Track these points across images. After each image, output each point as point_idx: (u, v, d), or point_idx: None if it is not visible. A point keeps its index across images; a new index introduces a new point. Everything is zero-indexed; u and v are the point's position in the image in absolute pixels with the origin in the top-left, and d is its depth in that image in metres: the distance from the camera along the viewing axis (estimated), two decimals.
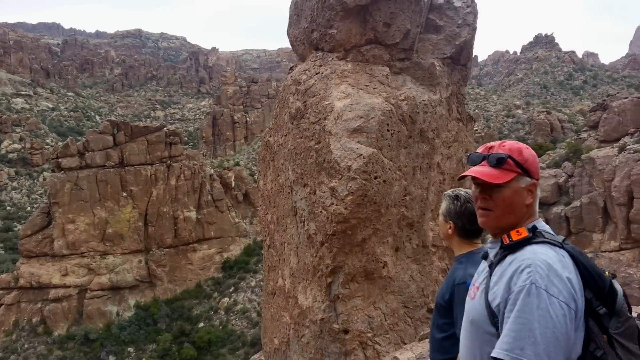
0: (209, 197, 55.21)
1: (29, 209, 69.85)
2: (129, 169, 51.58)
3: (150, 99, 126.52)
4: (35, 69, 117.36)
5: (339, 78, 6.55)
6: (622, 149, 36.90)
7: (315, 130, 6.41)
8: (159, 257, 51.49)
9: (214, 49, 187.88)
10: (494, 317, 2.12)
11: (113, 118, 70.91)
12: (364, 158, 5.98)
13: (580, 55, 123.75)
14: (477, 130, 54.78)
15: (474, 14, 7.60)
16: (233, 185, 59.30)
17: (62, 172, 50.08)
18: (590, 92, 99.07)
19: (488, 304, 2.15)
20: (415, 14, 6.84)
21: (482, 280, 2.28)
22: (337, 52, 6.84)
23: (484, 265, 2.37)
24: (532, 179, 2.30)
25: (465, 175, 2.37)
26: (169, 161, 53.56)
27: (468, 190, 3.30)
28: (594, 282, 2.10)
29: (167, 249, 52.11)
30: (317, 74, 6.76)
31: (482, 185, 2.30)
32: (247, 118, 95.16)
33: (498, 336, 2.09)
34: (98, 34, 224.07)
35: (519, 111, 77.63)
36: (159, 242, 52.01)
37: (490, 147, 2.35)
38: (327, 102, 6.38)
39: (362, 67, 6.74)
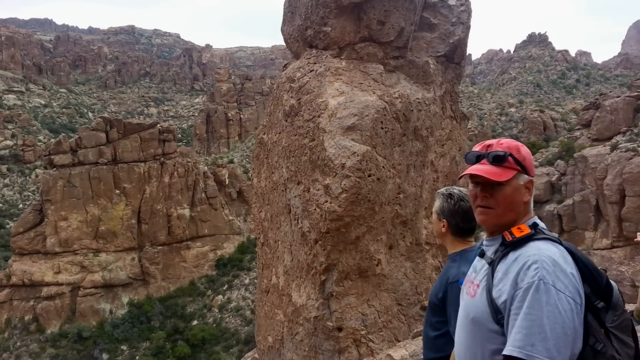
0: (203, 195, 55.08)
1: (21, 206, 69.41)
2: (122, 166, 51.36)
3: (143, 96, 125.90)
4: (27, 65, 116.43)
5: (333, 76, 6.55)
6: (614, 148, 37.14)
7: (309, 127, 6.41)
8: (153, 255, 51.34)
9: (208, 46, 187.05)
10: (498, 314, 2.12)
11: (106, 115, 70.45)
12: (358, 156, 5.99)
13: (573, 54, 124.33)
14: (470, 128, 54.96)
15: (468, 12, 7.61)
16: (227, 182, 59.19)
17: (55, 169, 49.78)
18: (583, 91, 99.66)
19: (491, 301, 2.15)
20: (409, 12, 6.84)
21: (483, 278, 2.27)
22: (331, 50, 6.83)
23: (481, 263, 2.36)
24: (529, 176, 2.32)
25: (467, 174, 2.36)
26: (162, 158, 53.36)
27: (462, 189, 3.30)
28: (592, 277, 2.14)
29: (160, 247, 51.96)
30: (311, 71, 6.75)
31: (483, 184, 2.30)
32: (241, 115, 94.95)
33: (502, 333, 2.10)
34: (91, 30, 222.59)
35: (513, 109, 77.95)
36: (152, 239, 51.84)
37: (489, 145, 2.35)
38: (321, 100, 6.38)
39: (356, 65, 6.74)
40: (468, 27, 7.61)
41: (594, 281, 2.15)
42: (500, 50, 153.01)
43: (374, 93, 6.46)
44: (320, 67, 6.70)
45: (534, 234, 2.19)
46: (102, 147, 51.16)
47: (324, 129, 6.19)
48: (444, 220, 3.31)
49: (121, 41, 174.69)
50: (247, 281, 51.62)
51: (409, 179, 6.72)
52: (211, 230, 55.03)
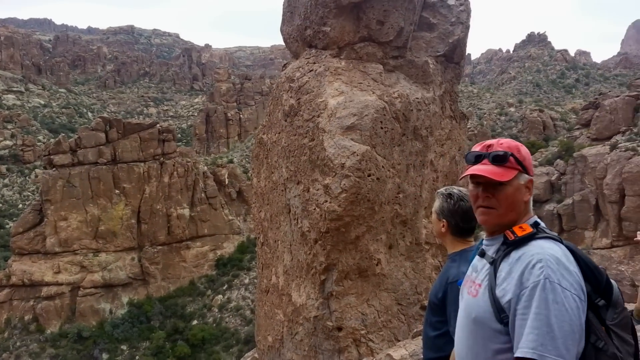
0: (203, 195, 55.06)
1: (20, 206, 69.38)
2: (121, 166, 51.34)
3: (143, 96, 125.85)
4: (26, 65, 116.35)
5: (332, 75, 6.54)
6: (613, 147, 37.17)
7: (308, 127, 6.40)
8: (152, 255, 51.32)
9: (207, 46, 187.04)
10: (501, 313, 2.12)
11: (105, 115, 70.45)
12: (357, 156, 5.99)
13: (572, 54, 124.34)
14: (470, 128, 54.95)
15: (467, 12, 7.61)
16: (226, 182, 59.18)
17: (54, 169, 49.75)
18: (582, 91, 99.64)
19: (494, 301, 2.15)
20: (408, 11, 6.84)
21: (485, 277, 2.27)
22: (331, 50, 6.83)
23: (482, 262, 2.35)
24: (529, 175, 2.33)
25: (471, 175, 2.35)
26: (162, 158, 53.33)
27: (461, 188, 3.30)
28: (592, 275, 2.16)
29: (160, 247, 51.94)
30: (310, 71, 6.75)
31: (484, 184, 2.30)
32: (241, 115, 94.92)
33: (505, 332, 2.11)
34: (90, 30, 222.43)
35: (512, 109, 77.96)
36: (152, 239, 51.82)
37: (489, 146, 2.35)
38: (320, 100, 6.38)
39: (356, 65, 6.74)
40: (467, 27, 7.61)
41: (594, 279, 2.16)
42: (500, 50, 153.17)
43: (373, 93, 6.46)
44: (320, 67, 6.70)
45: (536, 233, 2.20)
46: (101, 147, 51.13)
47: (323, 129, 6.19)
48: (444, 220, 3.31)
49: (120, 41, 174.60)
50: (246, 281, 51.62)
51: (409, 179, 6.72)
52: (211, 230, 55.02)
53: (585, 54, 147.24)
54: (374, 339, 6.28)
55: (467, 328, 2.32)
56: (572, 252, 2.16)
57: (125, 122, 55.31)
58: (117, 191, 50.94)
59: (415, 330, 6.17)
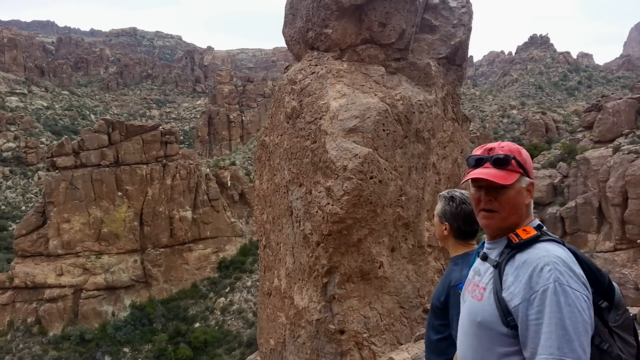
0: (205, 197, 55.11)
1: (23, 208, 69.55)
2: (124, 168, 51.43)
3: (145, 98, 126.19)
4: (29, 67, 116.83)
5: (334, 78, 6.54)
6: (616, 150, 37.08)
7: (311, 129, 6.40)
8: (155, 257, 51.36)
9: (210, 48, 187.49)
10: (508, 317, 2.12)
11: (108, 117, 70.65)
12: (359, 158, 5.98)
13: (574, 56, 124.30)
14: (472, 130, 54.93)
15: (469, 14, 7.60)
16: (229, 184, 59.23)
17: (57, 171, 49.88)
18: (584, 93, 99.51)
19: (500, 304, 2.14)
20: (410, 13, 6.84)
21: (489, 281, 2.26)
22: (333, 52, 6.83)
23: (485, 266, 2.34)
24: (530, 178, 2.33)
25: (473, 178, 2.35)
26: (164, 160, 53.42)
27: (463, 191, 3.29)
28: (595, 277, 2.17)
29: (162, 249, 51.97)
30: (312, 73, 6.75)
31: (486, 187, 2.29)
32: (243, 117, 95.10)
33: (512, 336, 2.11)
34: (93, 32, 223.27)
35: (514, 111, 77.87)
36: (154, 241, 51.87)
37: (490, 149, 2.34)
38: (322, 102, 6.37)
39: (358, 67, 6.73)
40: (469, 29, 7.60)
41: (597, 281, 2.18)
42: (502, 52, 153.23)
43: (375, 95, 6.45)
44: (322, 69, 6.70)
45: (540, 235, 2.20)
46: (104, 149, 51.24)
47: (325, 131, 6.19)
48: (446, 223, 3.30)
49: (123, 43, 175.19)
50: (249, 283, 51.60)
51: (411, 181, 6.71)
52: (213, 233, 55.04)
53: (588, 56, 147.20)
54: (377, 342, 6.26)
55: (472, 331, 2.31)
56: (575, 254, 2.16)
57: (128, 124, 55.46)
58: (119, 193, 51.03)
59: (417, 333, 6.15)
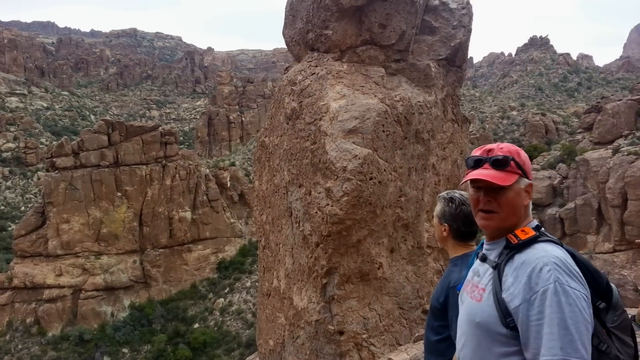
0: (204, 198, 55.09)
1: (23, 208, 69.52)
2: (123, 168, 51.40)
3: (145, 99, 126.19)
4: (29, 68, 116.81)
5: (334, 79, 6.54)
6: (616, 151, 37.10)
7: (310, 130, 6.40)
8: (154, 258, 51.32)
9: (210, 49, 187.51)
10: (507, 318, 2.12)
11: (108, 117, 70.69)
12: (359, 159, 5.98)
13: (574, 58, 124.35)
14: (472, 131, 54.93)
15: (469, 15, 7.61)
16: (228, 185, 59.21)
17: (57, 171, 49.85)
18: (584, 94, 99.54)
19: (500, 306, 2.15)
20: (410, 15, 6.84)
21: (488, 282, 2.26)
22: (333, 53, 6.83)
23: (484, 267, 2.35)
24: (529, 179, 2.33)
25: (472, 179, 2.35)
26: (164, 161, 53.40)
27: (463, 192, 3.29)
28: (592, 278, 2.18)
29: (162, 250, 51.94)
30: (312, 74, 6.75)
31: (485, 188, 2.30)
32: (243, 118, 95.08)
33: (511, 337, 2.12)
34: (93, 33, 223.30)
35: (514, 113, 77.85)
36: (153, 242, 51.84)
37: (489, 150, 2.35)
38: (322, 103, 6.38)
39: (358, 68, 6.74)
40: (469, 31, 7.61)
41: (595, 282, 2.18)
42: (502, 53, 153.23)
43: (375, 96, 6.45)
44: (322, 70, 6.70)
45: (539, 236, 2.21)
46: (104, 149, 51.22)
47: (325, 132, 6.19)
48: (445, 224, 3.30)
49: (123, 44, 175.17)
50: (248, 284, 51.57)
51: (411, 182, 6.71)
52: (213, 233, 55.01)
53: (588, 57, 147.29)
54: (376, 343, 6.26)
55: (470, 332, 2.31)
56: (573, 255, 2.17)
57: (128, 124, 55.45)
58: (119, 194, 51.01)
59: (416, 334, 6.15)
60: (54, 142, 67.30)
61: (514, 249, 2.21)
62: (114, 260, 50.19)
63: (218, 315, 49.84)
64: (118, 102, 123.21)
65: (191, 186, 54.37)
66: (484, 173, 2.28)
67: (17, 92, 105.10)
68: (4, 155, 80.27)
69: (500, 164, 2.27)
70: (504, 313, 2.13)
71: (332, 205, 5.99)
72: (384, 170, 6.24)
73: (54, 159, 50.42)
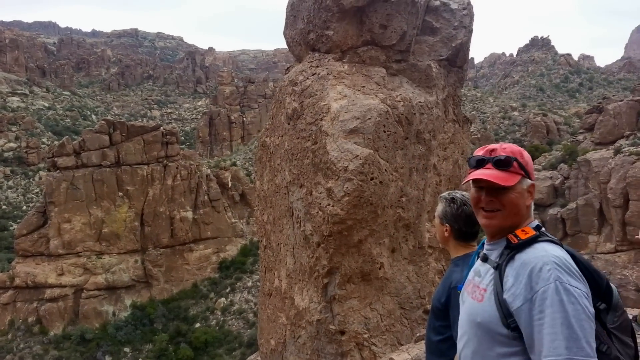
0: (206, 197, 55.12)
1: (24, 208, 69.60)
2: (125, 168, 51.45)
3: (146, 99, 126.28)
4: (31, 68, 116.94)
5: (335, 79, 6.55)
6: (617, 152, 37.08)
7: (311, 131, 6.41)
8: (155, 257, 51.37)
9: (211, 49, 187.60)
10: (508, 318, 2.12)
11: (109, 117, 70.72)
12: (360, 159, 5.99)
13: (576, 58, 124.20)
14: (473, 132, 54.90)
15: (470, 16, 7.61)
16: (230, 185, 59.23)
17: (58, 171, 49.92)
18: (586, 95, 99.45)
19: (501, 306, 2.15)
20: (411, 15, 6.85)
21: (490, 282, 2.27)
22: (334, 53, 6.84)
23: (485, 267, 2.35)
24: (531, 180, 2.33)
25: (474, 179, 2.35)
26: (165, 161, 53.45)
27: (464, 193, 3.29)
28: (592, 279, 2.17)
29: (163, 249, 51.99)
30: (313, 74, 6.76)
31: (487, 188, 2.30)
32: (244, 118, 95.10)
33: (512, 337, 2.12)
34: (94, 33, 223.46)
35: (515, 113, 77.79)
36: (155, 242, 51.89)
37: (492, 150, 2.35)
38: (323, 103, 6.39)
39: (359, 69, 6.75)
40: (470, 31, 7.61)
41: (595, 283, 2.18)
42: (503, 53, 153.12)
43: (376, 96, 6.46)
44: (323, 70, 6.71)
45: (539, 236, 2.21)
46: (105, 149, 51.28)
47: (326, 132, 6.20)
48: (447, 224, 3.31)
49: (124, 44, 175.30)
50: (249, 284, 51.59)
51: (412, 182, 6.72)
52: (214, 233, 55.04)
53: (589, 58, 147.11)
54: (377, 343, 6.26)
55: (471, 332, 2.31)
56: (573, 256, 2.17)
57: (129, 124, 55.52)
58: (120, 194, 51.07)
59: (418, 334, 6.16)
60: (56, 142, 67.34)
61: (514, 249, 2.21)
62: (115, 259, 50.25)
63: (219, 314, 49.87)
64: (119, 102, 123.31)
65: (192, 186, 54.41)
66: (487, 173, 2.28)
67: (19, 92, 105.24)
68: (6, 155, 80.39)
69: (502, 164, 2.27)
70: (505, 314, 2.13)
71: (333, 205, 6.00)
72: (385, 170, 6.25)
73: (55, 159, 50.48)
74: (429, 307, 5.70)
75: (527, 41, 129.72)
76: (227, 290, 52.12)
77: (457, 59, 7.60)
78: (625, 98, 46.05)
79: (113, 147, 51.71)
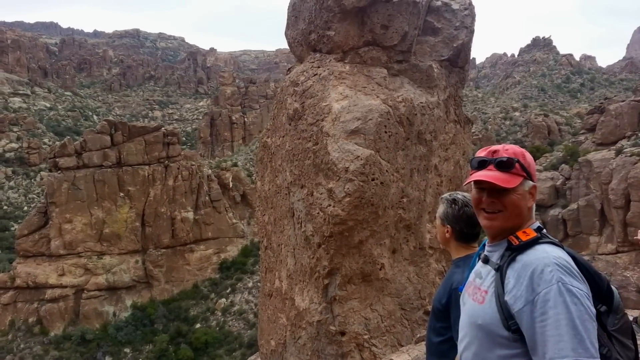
0: (207, 198, 55.12)
1: (25, 208, 69.69)
2: (126, 169, 51.47)
3: (148, 99, 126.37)
4: (32, 68, 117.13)
5: (336, 79, 6.55)
6: (619, 152, 37.02)
7: (312, 131, 6.40)
8: (156, 258, 51.39)
9: (212, 50, 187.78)
10: (509, 320, 2.11)
11: (111, 118, 70.75)
12: (361, 160, 5.98)
13: (577, 58, 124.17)
14: (474, 132, 54.84)
15: (472, 16, 7.60)
16: (231, 186, 59.23)
17: (59, 171, 49.95)
18: (587, 95, 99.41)
19: (502, 308, 2.14)
20: (413, 16, 6.84)
21: (491, 284, 2.26)
22: (335, 54, 6.83)
23: (486, 269, 2.34)
24: (533, 182, 2.32)
25: (476, 180, 2.34)
26: (166, 161, 53.46)
27: (465, 194, 3.28)
28: (594, 281, 2.17)
29: (164, 250, 51.99)
30: (315, 75, 6.75)
31: (489, 189, 2.29)
32: (245, 119, 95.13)
33: (513, 339, 2.11)
34: (96, 34, 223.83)
35: (517, 114, 77.76)
36: (156, 242, 51.89)
37: (494, 151, 2.33)
38: (324, 104, 6.38)
39: (360, 69, 6.74)
40: (472, 31, 7.60)
41: (595, 286, 2.17)
42: (505, 54, 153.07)
43: (377, 97, 6.45)
44: (324, 71, 6.70)
45: (540, 238, 2.21)
46: (106, 150, 51.30)
47: (327, 133, 6.19)
48: (448, 225, 3.30)
49: (126, 44, 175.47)
50: (250, 284, 51.59)
51: (413, 183, 6.71)
52: (215, 234, 55.05)
53: (591, 58, 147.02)
54: (377, 344, 6.25)
55: (472, 334, 2.30)
56: (573, 257, 2.17)
57: (130, 125, 55.52)
58: (121, 194, 51.09)
59: (418, 335, 6.15)
60: (57, 142, 67.39)
61: (515, 250, 2.20)
62: (116, 260, 50.26)
63: (220, 315, 49.86)
64: (121, 103, 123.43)
65: (193, 186, 54.42)
66: (489, 174, 2.27)
67: (20, 92, 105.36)
68: (7, 155, 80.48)
69: (505, 165, 2.26)
70: (506, 316, 2.12)
71: (334, 206, 5.99)
72: (386, 171, 6.24)
73: (56, 159, 50.52)
74: (429, 308, 5.69)
75: (528, 41, 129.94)
76: (228, 291, 52.11)
77: (458, 60, 7.59)
78: (627, 98, 45.97)
79: (114, 148, 51.74)
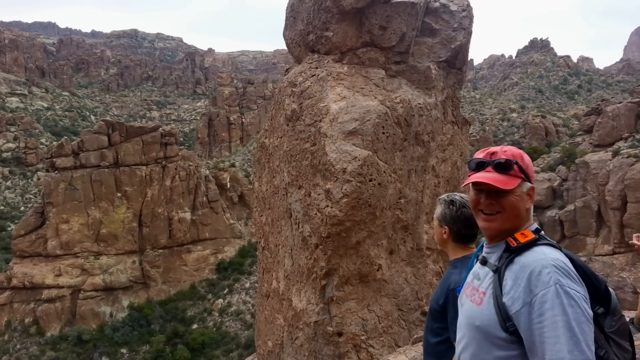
0: (204, 198, 55.08)
1: (22, 208, 69.48)
2: (123, 169, 51.41)
3: (145, 99, 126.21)
4: (30, 68, 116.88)
5: (334, 80, 6.55)
6: (616, 154, 37.14)
7: (310, 132, 6.41)
8: (153, 258, 51.30)
9: (210, 50, 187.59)
10: (507, 322, 2.11)
11: (108, 118, 70.67)
12: (359, 160, 5.98)
13: (575, 60, 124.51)
14: (472, 133, 54.95)
15: (470, 18, 7.61)
16: (228, 186, 59.19)
17: (57, 172, 49.86)
18: (584, 97, 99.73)
19: (500, 309, 2.14)
20: (411, 17, 6.85)
21: (489, 286, 2.26)
22: (333, 55, 6.84)
23: (484, 270, 2.34)
24: (531, 183, 2.32)
25: (474, 182, 2.34)
26: (164, 162, 53.40)
27: (463, 195, 3.28)
28: (591, 283, 2.17)
29: (161, 250, 51.93)
30: (313, 76, 6.76)
31: (487, 191, 2.29)
32: (243, 119, 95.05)
33: (510, 341, 2.11)
34: (94, 34, 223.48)
35: (514, 115, 77.96)
36: (153, 243, 51.82)
37: (493, 153, 2.33)
38: (322, 105, 6.38)
39: (358, 70, 6.74)
40: (470, 33, 7.61)
41: (593, 287, 2.17)
42: (502, 55, 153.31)
43: (375, 98, 6.46)
44: (322, 71, 6.70)
45: (538, 239, 2.21)
46: (104, 150, 51.23)
47: (325, 134, 6.19)
48: (446, 226, 3.30)
49: (124, 45, 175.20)
50: (247, 285, 51.56)
51: (410, 184, 6.71)
52: (212, 234, 55.00)
53: (588, 60, 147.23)
54: (375, 345, 6.25)
55: (470, 335, 2.31)
56: (571, 259, 2.17)
57: (128, 125, 55.47)
58: (118, 194, 51.00)
59: (415, 336, 6.14)
60: (54, 143, 67.30)
61: (513, 252, 2.20)
62: (113, 260, 50.16)
63: (217, 316, 49.81)
64: (118, 103, 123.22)
65: (191, 187, 54.37)
66: (487, 176, 2.27)
67: (18, 92, 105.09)
68: (4, 155, 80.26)
69: (503, 167, 2.26)
70: (504, 317, 2.12)
71: (331, 207, 5.99)
72: (384, 172, 6.24)
73: (54, 159, 50.42)
74: (426, 308, 5.70)
75: (526, 43, 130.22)
76: (225, 292, 52.07)
77: (456, 61, 7.60)
78: (624, 100, 46.20)
79: (112, 148, 51.66)
